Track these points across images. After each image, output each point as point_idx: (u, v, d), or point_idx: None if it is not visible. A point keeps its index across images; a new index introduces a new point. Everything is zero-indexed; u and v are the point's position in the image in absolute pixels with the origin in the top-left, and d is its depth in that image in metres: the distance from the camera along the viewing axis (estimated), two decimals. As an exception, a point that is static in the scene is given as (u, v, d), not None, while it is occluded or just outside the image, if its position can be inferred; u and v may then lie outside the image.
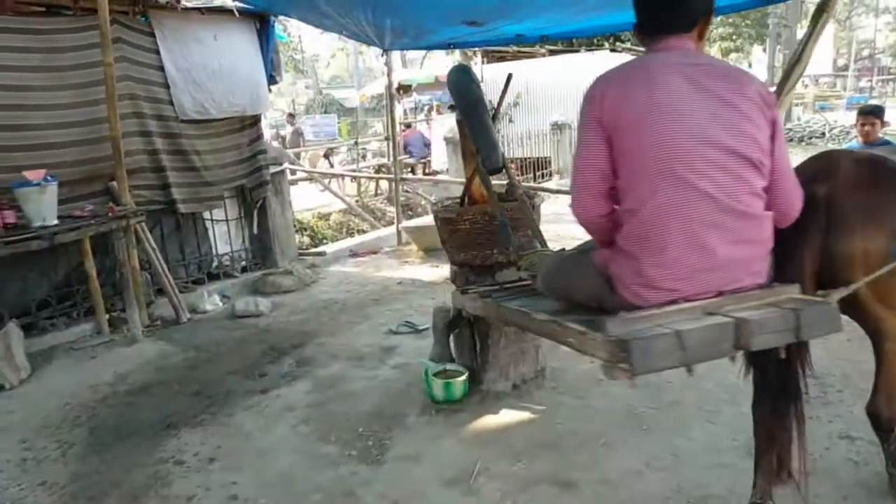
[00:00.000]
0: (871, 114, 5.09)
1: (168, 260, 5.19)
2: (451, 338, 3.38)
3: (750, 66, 34.40)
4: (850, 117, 19.28)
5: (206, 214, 5.72)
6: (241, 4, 5.36)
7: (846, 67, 40.23)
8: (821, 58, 39.94)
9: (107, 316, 4.66)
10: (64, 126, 4.52)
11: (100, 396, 3.61)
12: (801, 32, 29.15)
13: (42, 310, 4.56)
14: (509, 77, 3.23)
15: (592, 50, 15.43)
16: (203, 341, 4.44)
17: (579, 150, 1.82)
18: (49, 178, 4.10)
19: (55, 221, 4.11)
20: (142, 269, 4.80)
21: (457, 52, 18.46)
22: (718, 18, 27.37)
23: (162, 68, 5.14)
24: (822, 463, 2.52)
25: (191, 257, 5.59)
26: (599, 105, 1.73)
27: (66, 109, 4.53)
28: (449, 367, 3.30)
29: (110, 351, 4.32)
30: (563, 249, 2.46)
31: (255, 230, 6.12)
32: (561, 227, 7.97)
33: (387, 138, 9.98)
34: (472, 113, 3.04)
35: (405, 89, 17.74)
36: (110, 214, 4.39)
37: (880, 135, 5.09)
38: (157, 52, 5.11)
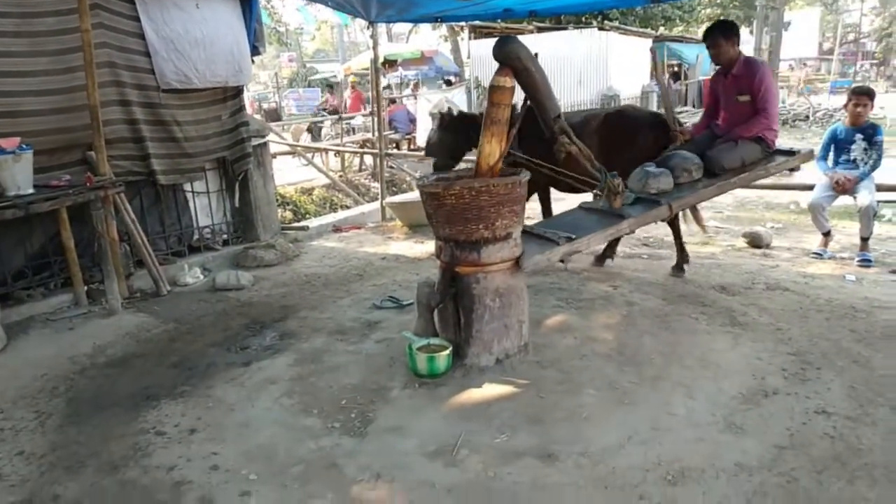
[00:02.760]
0: (866, 94, 5.06)
1: (148, 232, 5.11)
2: (436, 312, 3.38)
3: (736, 48, 34.38)
4: (835, 100, 19.43)
5: (187, 186, 5.63)
6: (224, -29, 5.23)
7: (831, 51, 40.40)
8: (807, 41, 40.09)
9: (85, 287, 4.59)
10: (40, 94, 4.40)
11: (78, 368, 3.56)
12: (788, 14, 29.19)
13: (18, 280, 4.49)
14: None
15: (580, 28, 15.36)
16: (183, 314, 4.40)
17: (774, 97, 4.15)
18: (24, 146, 4.01)
19: (31, 190, 4.04)
20: (121, 240, 4.72)
21: (444, 26, 18.28)
22: (706, -1, 27.30)
23: (142, 36, 5.01)
24: (799, 438, 2.55)
25: (171, 229, 5.51)
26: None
27: (42, 76, 4.40)
28: (433, 341, 3.30)
29: (88, 322, 4.26)
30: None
31: (237, 203, 6.04)
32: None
33: (372, 113, 9.87)
34: (546, 83, 3.32)
35: (391, 64, 17.55)
36: (88, 184, 4.31)
37: (867, 118, 5.11)
38: (137, 20, 4.97)
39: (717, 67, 4.31)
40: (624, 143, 4.28)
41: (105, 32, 4.74)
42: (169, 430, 2.83)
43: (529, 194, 4.66)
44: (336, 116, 15.08)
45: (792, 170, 4.69)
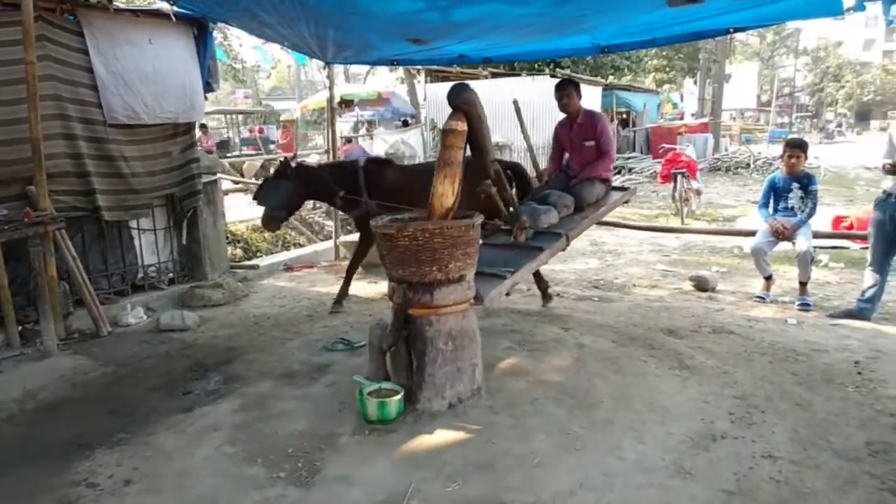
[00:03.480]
0: (799, 147, 5.35)
1: (89, 270, 4.92)
2: (388, 356, 3.32)
3: (682, 98, 36.01)
4: (773, 150, 20.39)
5: (133, 223, 5.47)
6: (179, 9, 5.20)
7: (769, 103, 42.61)
8: (746, 93, 42.26)
9: (19, 328, 4.36)
10: (-23, 125, 4.25)
11: (4, 415, 3.35)
12: (729, 67, 30.73)
13: (-56, 320, 4.23)
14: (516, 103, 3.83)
15: (533, 74, 15.80)
16: (124, 356, 4.21)
17: (612, 142, 4.70)
18: (-42, 178, 3.84)
19: (-37, 225, 3.85)
20: (60, 278, 4.52)
21: (400, 68, 18.55)
22: (653, 51, 28.63)
23: (90, 70, 4.91)
24: (746, 482, 2.58)
25: (114, 267, 5.32)
26: None
27: (-20, 108, 4.26)
28: (384, 385, 3.24)
29: (20, 365, 4.04)
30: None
31: (185, 241, 5.89)
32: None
33: (327, 152, 9.86)
34: (489, 130, 3.50)
35: (347, 104, 17.63)
36: (27, 220, 4.14)
37: (802, 167, 5.37)
38: (86, 53, 4.88)
39: (563, 117, 4.92)
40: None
41: (51, 65, 4.63)
42: (102, 482, 2.67)
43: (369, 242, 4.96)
44: (292, 155, 14.95)
45: (626, 202, 5.54)
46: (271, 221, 4.93)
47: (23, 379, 3.81)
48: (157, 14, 5.34)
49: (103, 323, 4.67)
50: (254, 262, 7.10)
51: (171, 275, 5.81)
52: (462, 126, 3.25)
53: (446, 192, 3.24)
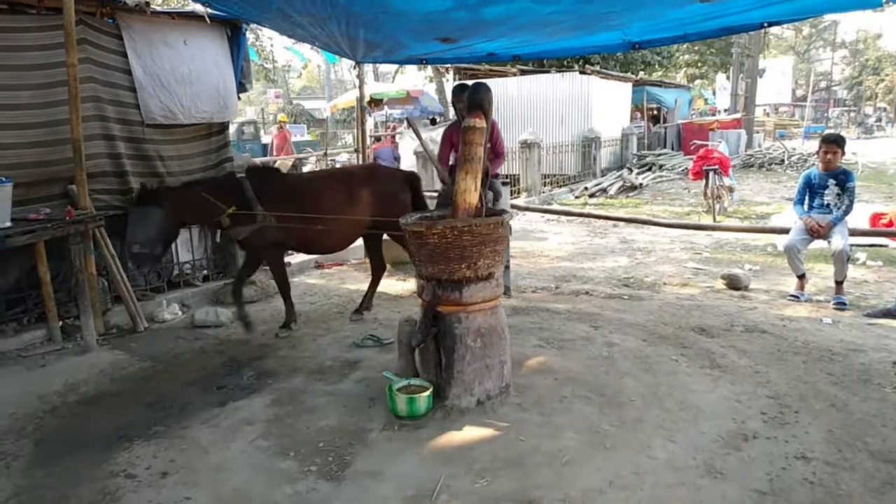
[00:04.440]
0: (835, 143, 5.21)
1: (127, 267, 5.05)
2: (417, 352, 3.35)
3: (714, 93, 35.38)
4: (808, 145, 19.95)
5: (169, 221, 5.59)
6: (213, 11, 5.31)
7: (805, 98, 41.63)
8: (781, 88, 41.33)
9: (60, 323, 4.51)
10: (22, 127, 4.40)
11: (48, 406, 3.47)
12: (762, 62, 30.08)
13: (-9, 315, 4.39)
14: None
15: (562, 71, 15.71)
16: (160, 351, 4.32)
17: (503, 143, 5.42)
18: (3, 179, 3.98)
19: (8, 224, 3.98)
20: (99, 275, 4.66)
21: (429, 67, 18.61)
22: (685, 46, 28.18)
23: (128, 71, 5.04)
24: (779, 483, 2.55)
25: (151, 265, 5.44)
26: None
27: (25, 110, 4.41)
28: (413, 381, 3.27)
29: (62, 359, 4.18)
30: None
31: (219, 239, 6.00)
32: (527, 243, 8.03)
33: (356, 150, 9.94)
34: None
35: (376, 103, 17.74)
36: (68, 218, 4.26)
37: (839, 164, 5.24)
38: (124, 55, 5.01)
39: (456, 121, 4.97)
40: (394, 195, 4.76)
41: (91, 67, 4.76)
42: (140, 474, 2.75)
43: (264, 253, 4.66)
44: (321, 153, 15.11)
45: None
46: (144, 261, 4.24)
47: (65, 372, 3.94)
48: (192, 16, 5.45)
49: (140, 319, 4.79)
50: (286, 259, 7.19)
51: (205, 272, 5.93)
52: (482, 123, 3.25)
53: (469, 187, 3.25)
